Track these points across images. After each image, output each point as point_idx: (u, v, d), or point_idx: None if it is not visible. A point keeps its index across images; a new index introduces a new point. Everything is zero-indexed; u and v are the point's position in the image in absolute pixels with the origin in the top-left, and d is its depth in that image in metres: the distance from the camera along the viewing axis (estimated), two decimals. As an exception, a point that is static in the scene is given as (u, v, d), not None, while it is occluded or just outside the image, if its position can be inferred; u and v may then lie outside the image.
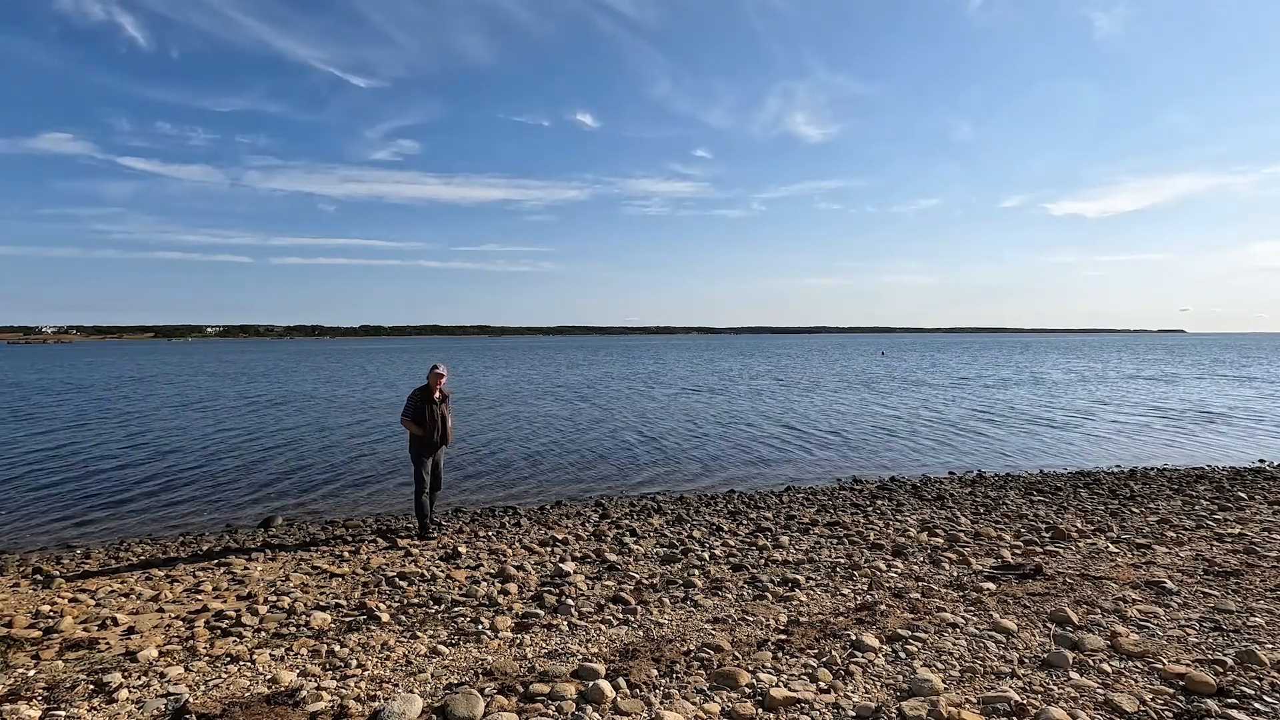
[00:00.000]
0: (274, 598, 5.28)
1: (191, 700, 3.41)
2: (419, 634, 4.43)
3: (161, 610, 5.08)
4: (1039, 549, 6.21)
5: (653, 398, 24.40)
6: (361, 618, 4.76)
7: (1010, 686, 3.37)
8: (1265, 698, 3.19)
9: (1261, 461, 11.79)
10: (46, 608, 5.09)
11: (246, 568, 6.16)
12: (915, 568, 5.76)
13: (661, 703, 3.29)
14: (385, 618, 4.74)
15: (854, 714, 3.15)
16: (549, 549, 6.64)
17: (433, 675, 3.71)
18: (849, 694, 3.34)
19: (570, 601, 5.02)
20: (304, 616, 4.81)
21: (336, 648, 4.19)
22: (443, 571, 5.90)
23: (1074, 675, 3.48)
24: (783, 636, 4.12)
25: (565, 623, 4.57)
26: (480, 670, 3.73)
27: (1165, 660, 3.62)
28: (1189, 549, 6.06)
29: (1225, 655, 3.67)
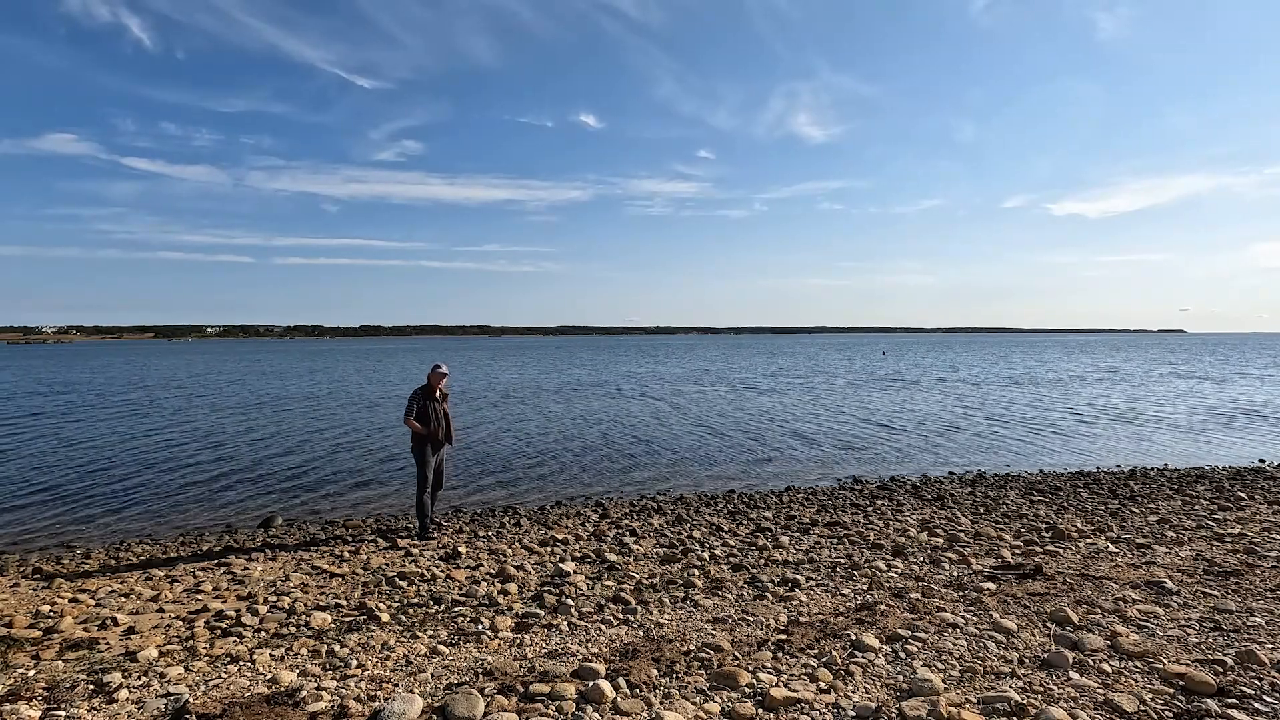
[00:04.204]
0: (274, 598, 5.28)
1: (191, 700, 3.41)
2: (419, 634, 4.43)
3: (161, 610, 5.08)
4: (1039, 549, 6.21)
5: (653, 397, 24.40)
6: (361, 618, 4.76)
7: (1010, 686, 3.37)
8: (1265, 698, 3.19)
9: (1261, 461, 11.79)
10: (46, 608, 5.09)
11: (246, 568, 6.16)
12: (915, 568, 5.76)
13: (661, 703, 3.29)
14: (385, 618, 4.74)
15: (854, 714, 3.15)
16: (549, 549, 6.64)
17: (433, 675, 3.71)
18: (849, 694, 3.34)
19: (570, 601, 5.02)
20: (304, 616, 4.81)
21: (336, 648, 4.19)
22: (443, 571, 5.90)
23: (1074, 675, 3.48)
24: (783, 636, 4.12)
25: (565, 623, 4.57)
26: (480, 670, 3.73)
27: (1165, 660, 3.62)
28: (1189, 549, 6.06)
29: (1225, 655, 3.67)
